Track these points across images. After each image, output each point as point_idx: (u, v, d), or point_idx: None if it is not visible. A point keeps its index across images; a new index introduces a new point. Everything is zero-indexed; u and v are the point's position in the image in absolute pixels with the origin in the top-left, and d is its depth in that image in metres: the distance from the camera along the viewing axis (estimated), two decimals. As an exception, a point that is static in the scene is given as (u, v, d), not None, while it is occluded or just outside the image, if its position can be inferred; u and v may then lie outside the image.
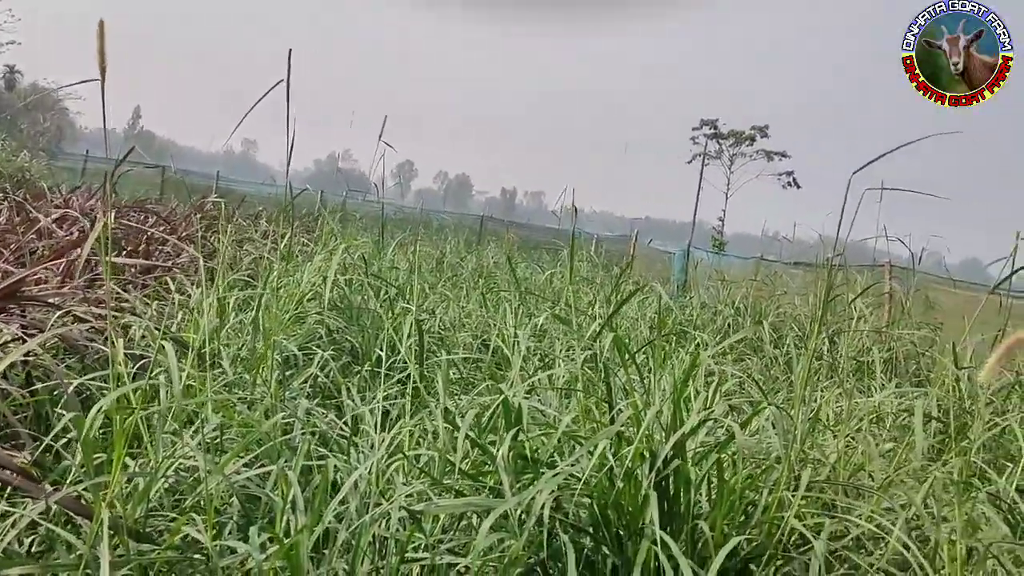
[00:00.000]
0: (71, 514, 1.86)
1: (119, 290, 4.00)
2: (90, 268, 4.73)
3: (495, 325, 4.92)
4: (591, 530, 2.19)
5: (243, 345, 3.74)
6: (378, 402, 2.58)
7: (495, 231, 17.64)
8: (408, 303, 4.75)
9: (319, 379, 3.60)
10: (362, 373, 3.83)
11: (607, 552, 2.17)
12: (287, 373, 3.48)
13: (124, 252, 5.44)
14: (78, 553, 1.75)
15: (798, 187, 40.35)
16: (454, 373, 4.12)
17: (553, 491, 2.01)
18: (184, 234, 5.98)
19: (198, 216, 6.60)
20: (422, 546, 2.19)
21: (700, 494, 2.35)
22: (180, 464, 2.25)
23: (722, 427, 2.86)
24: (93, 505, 1.78)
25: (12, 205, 5.34)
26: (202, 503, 2.19)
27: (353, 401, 3.26)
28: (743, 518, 2.32)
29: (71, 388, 2.41)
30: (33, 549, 1.95)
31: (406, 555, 2.11)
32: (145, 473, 2.00)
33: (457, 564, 2.19)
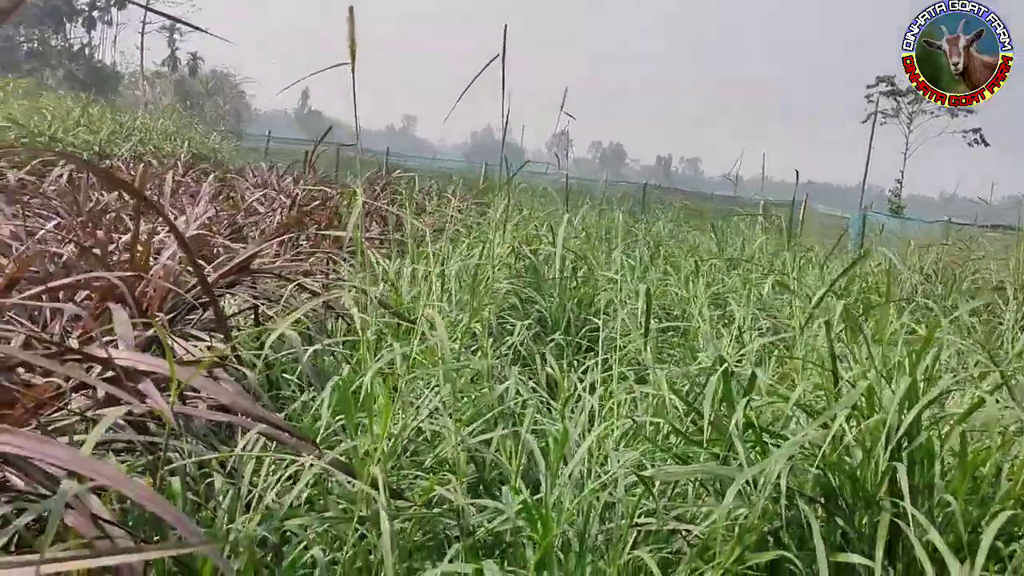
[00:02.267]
0: (331, 471, 2.00)
1: (337, 259, 4.26)
2: (293, 243, 5.06)
3: (681, 293, 4.88)
4: (822, 500, 2.15)
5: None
6: (595, 373, 2.62)
7: (659, 198, 17.38)
8: (595, 272, 4.79)
9: (515, 347, 3.70)
10: (556, 340, 3.91)
11: (840, 523, 2.13)
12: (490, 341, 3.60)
13: (317, 227, 5.77)
14: (343, 507, 1.90)
15: (986, 144, 37.07)
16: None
17: (788, 460, 1.98)
18: (371, 208, 6.26)
19: (381, 191, 6.89)
20: (645, 512, 2.22)
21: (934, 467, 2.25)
22: (415, 427, 2.38)
23: (948, 397, 2.72)
24: (355, 464, 1.92)
25: (221, 185, 5.78)
26: (440, 464, 2.32)
27: (553, 369, 3.32)
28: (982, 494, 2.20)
29: (307, 356, 2.60)
30: (296, 503, 2.11)
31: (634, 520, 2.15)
32: (395, 434, 2.13)
33: (680, 530, 2.21)
